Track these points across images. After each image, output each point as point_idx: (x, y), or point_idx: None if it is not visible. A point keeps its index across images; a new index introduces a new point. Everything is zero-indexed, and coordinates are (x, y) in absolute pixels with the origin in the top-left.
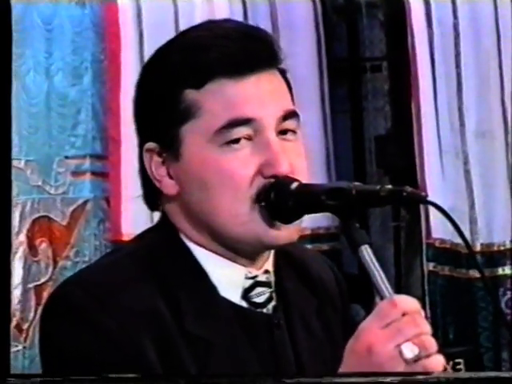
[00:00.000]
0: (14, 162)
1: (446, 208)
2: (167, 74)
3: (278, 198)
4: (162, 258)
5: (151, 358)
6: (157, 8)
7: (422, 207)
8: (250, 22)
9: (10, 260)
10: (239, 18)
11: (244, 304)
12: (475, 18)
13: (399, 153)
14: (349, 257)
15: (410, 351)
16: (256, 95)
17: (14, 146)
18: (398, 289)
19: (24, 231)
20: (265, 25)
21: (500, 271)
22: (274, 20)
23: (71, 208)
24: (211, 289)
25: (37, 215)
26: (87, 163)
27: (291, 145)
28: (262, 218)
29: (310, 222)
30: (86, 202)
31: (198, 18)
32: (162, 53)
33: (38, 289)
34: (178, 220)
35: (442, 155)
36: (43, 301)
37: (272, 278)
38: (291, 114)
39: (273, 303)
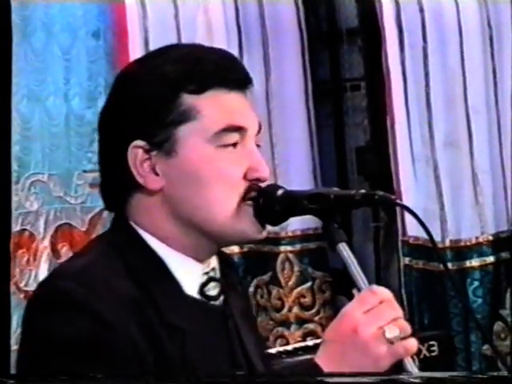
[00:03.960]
0: (39, 176)
1: (418, 209)
2: (164, 80)
3: (266, 204)
4: (129, 258)
5: (142, 346)
6: (164, 38)
7: (398, 209)
8: (245, 50)
9: (10, 260)
10: (234, 44)
11: (201, 298)
12: (442, 40)
13: (377, 162)
14: (335, 254)
15: (392, 332)
16: (243, 108)
17: (38, 162)
18: (378, 281)
19: (48, 237)
20: (257, 51)
21: (467, 264)
22: (266, 48)
23: (89, 216)
24: (176, 284)
25: (59, 223)
26: None
27: None
28: (247, 215)
29: (300, 223)
30: (102, 211)
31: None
32: (151, 63)
33: None
34: (149, 215)
35: (414, 163)
36: None
37: (218, 274)
38: (260, 130)
39: (222, 296)
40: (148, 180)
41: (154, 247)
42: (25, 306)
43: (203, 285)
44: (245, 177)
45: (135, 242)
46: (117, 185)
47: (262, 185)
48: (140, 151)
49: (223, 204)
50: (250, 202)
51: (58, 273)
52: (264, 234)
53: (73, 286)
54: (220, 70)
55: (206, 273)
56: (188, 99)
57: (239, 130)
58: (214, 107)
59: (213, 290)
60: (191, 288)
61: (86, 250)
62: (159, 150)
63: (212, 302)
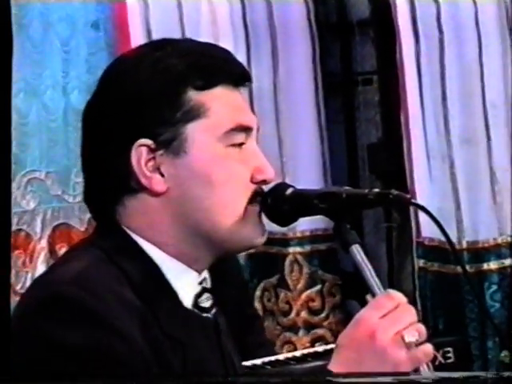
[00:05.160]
0: (36, 174)
1: (433, 209)
2: (170, 74)
3: (275, 203)
4: (124, 264)
5: (148, 356)
6: (167, 28)
7: (412, 209)
8: (252, 41)
9: (10, 260)
10: (241, 34)
11: (195, 309)
12: (459, 33)
13: (390, 159)
14: (345, 255)
15: (411, 336)
16: (247, 106)
17: (35, 158)
18: (391, 284)
19: (45, 237)
20: (265, 44)
21: (485, 266)
22: (274, 39)
23: (88, 215)
24: (173, 294)
25: (57, 222)
26: None
27: None
28: (252, 218)
29: (309, 224)
30: None
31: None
32: (154, 56)
33: None
34: (145, 220)
35: (429, 160)
36: None
37: (209, 283)
38: (258, 130)
39: (214, 309)
40: (153, 181)
41: (150, 253)
42: (19, 309)
43: (197, 296)
44: (252, 179)
45: (129, 248)
46: (108, 189)
47: (268, 186)
48: (145, 150)
49: (233, 207)
50: (255, 205)
51: (59, 279)
52: (265, 238)
53: (79, 293)
54: (227, 66)
55: (200, 283)
56: (196, 95)
57: (247, 129)
58: (222, 104)
59: (206, 301)
60: (187, 298)
61: (78, 254)
62: (166, 149)
63: (205, 314)
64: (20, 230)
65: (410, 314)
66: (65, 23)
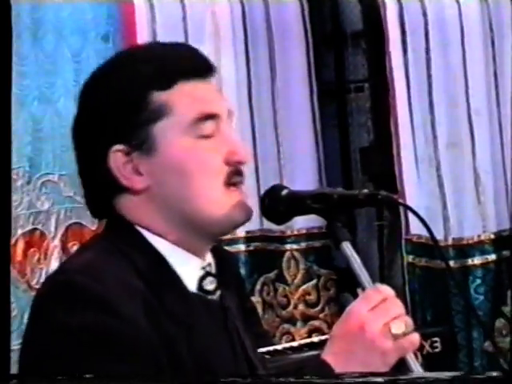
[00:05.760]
0: (49, 177)
1: (421, 208)
2: (131, 82)
3: (271, 203)
4: (131, 253)
5: (153, 338)
6: (171, 40)
7: (401, 208)
8: (251, 52)
9: (10, 259)
10: (241, 47)
11: (200, 292)
12: (445, 43)
13: (381, 161)
14: (339, 252)
15: (397, 327)
16: (213, 95)
17: (49, 162)
18: (382, 278)
19: (59, 236)
20: (263, 53)
21: (470, 262)
22: (272, 50)
23: None
24: (177, 279)
25: (70, 222)
26: None
27: None
28: (232, 199)
29: (306, 222)
30: None
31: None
32: (117, 67)
33: None
34: (141, 214)
35: (417, 163)
36: None
37: (214, 269)
38: (232, 113)
39: (219, 291)
40: (133, 181)
41: (153, 242)
42: (36, 295)
43: (201, 279)
44: (226, 162)
45: (134, 238)
46: (102, 190)
47: (266, 188)
48: (120, 154)
49: (208, 193)
50: (234, 188)
51: (69, 268)
52: (250, 215)
53: (84, 279)
54: (183, 63)
55: (203, 267)
56: (158, 96)
57: (213, 117)
58: (183, 99)
59: (210, 284)
60: (190, 282)
61: (89, 247)
62: (139, 150)
63: (210, 297)
64: (35, 229)
65: (397, 306)
66: (77, 36)
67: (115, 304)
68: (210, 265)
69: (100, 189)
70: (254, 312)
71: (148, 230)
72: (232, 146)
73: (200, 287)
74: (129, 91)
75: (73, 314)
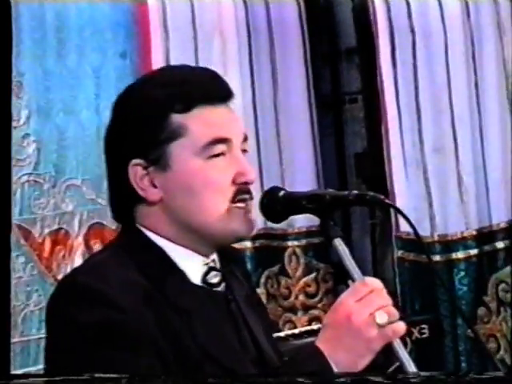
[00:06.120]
0: (73, 181)
1: (410, 207)
2: (153, 104)
3: (269, 204)
4: (138, 254)
5: (154, 328)
6: (183, 57)
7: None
8: (255, 68)
9: (10, 260)
10: (246, 63)
11: (204, 284)
12: (431, 58)
13: (373, 166)
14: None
15: (382, 317)
16: (228, 120)
17: (73, 168)
18: (375, 272)
19: (82, 235)
20: (266, 69)
21: (454, 256)
22: (274, 66)
23: None
24: (181, 274)
25: (92, 222)
26: None
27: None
28: (237, 216)
29: (306, 221)
30: None
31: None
32: (142, 89)
33: None
34: (154, 221)
35: (406, 166)
36: None
37: (218, 265)
38: (246, 138)
39: (224, 283)
40: (148, 193)
41: (159, 243)
42: (49, 298)
43: (205, 274)
44: (233, 182)
45: (142, 241)
46: (122, 198)
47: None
48: (139, 168)
49: (214, 209)
50: (240, 205)
51: (76, 269)
52: (253, 230)
53: (87, 279)
54: (203, 89)
55: (207, 264)
56: (176, 118)
57: (225, 141)
58: (200, 123)
59: (214, 278)
60: (195, 277)
61: (100, 251)
62: (156, 165)
63: (214, 289)
64: (60, 228)
65: (383, 298)
66: (97, 53)
67: (118, 299)
68: (213, 261)
69: (121, 197)
70: (262, 304)
71: (156, 234)
72: (240, 167)
73: (204, 281)
74: (151, 112)
75: (80, 312)
